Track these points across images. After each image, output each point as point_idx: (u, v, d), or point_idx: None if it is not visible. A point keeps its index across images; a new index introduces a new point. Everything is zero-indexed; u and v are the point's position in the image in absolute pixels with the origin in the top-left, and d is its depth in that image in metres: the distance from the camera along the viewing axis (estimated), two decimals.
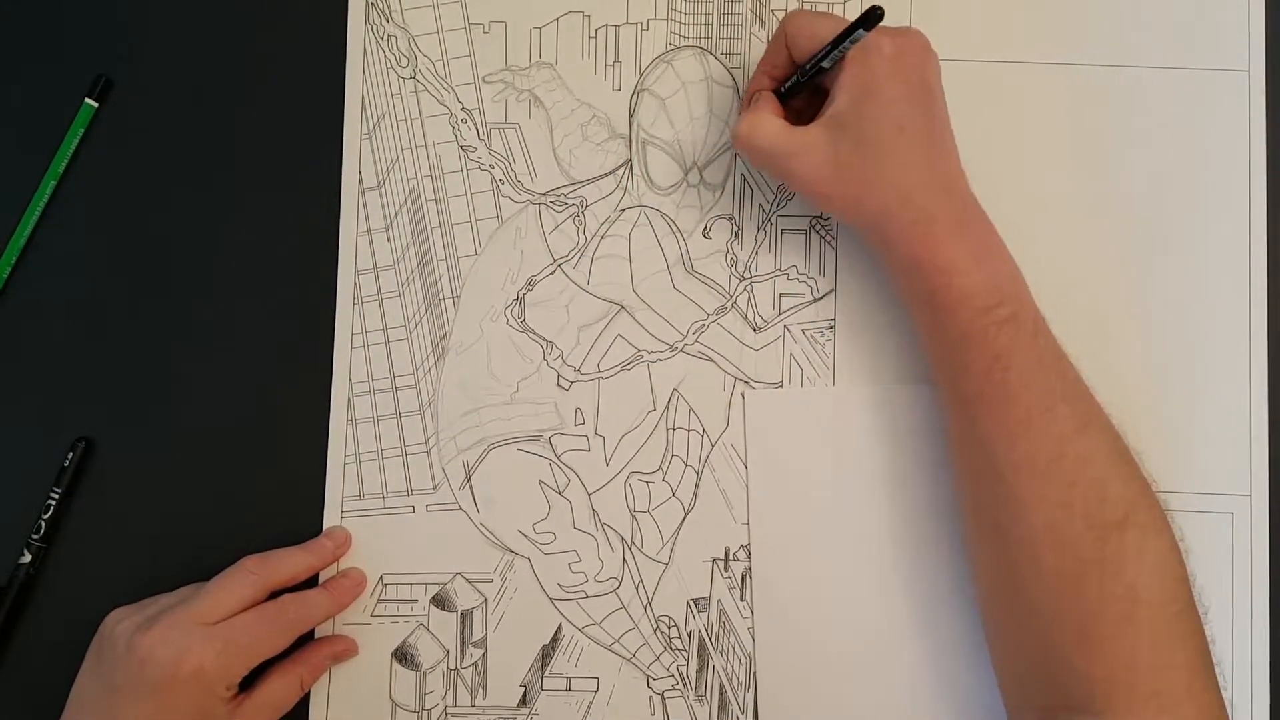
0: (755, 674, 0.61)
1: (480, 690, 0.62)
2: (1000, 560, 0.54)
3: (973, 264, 0.54)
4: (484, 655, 0.62)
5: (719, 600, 0.62)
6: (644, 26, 0.65)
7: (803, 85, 0.58)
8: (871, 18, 0.53)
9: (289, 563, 0.60)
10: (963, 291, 0.53)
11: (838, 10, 0.64)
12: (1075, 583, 0.51)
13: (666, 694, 0.62)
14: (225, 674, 0.55)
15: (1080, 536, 0.51)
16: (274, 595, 0.59)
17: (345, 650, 0.61)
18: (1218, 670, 0.52)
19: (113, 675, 0.55)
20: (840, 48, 0.55)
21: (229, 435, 0.63)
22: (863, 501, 0.62)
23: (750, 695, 0.62)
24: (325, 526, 0.63)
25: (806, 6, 0.64)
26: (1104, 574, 0.50)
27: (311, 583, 0.62)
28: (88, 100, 0.64)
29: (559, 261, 0.64)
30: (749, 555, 0.62)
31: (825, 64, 0.56)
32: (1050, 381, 0.53)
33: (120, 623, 0.56)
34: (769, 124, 0.57)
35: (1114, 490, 0.52)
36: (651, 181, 0.65)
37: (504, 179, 0.65)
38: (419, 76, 0.65)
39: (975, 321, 0.53)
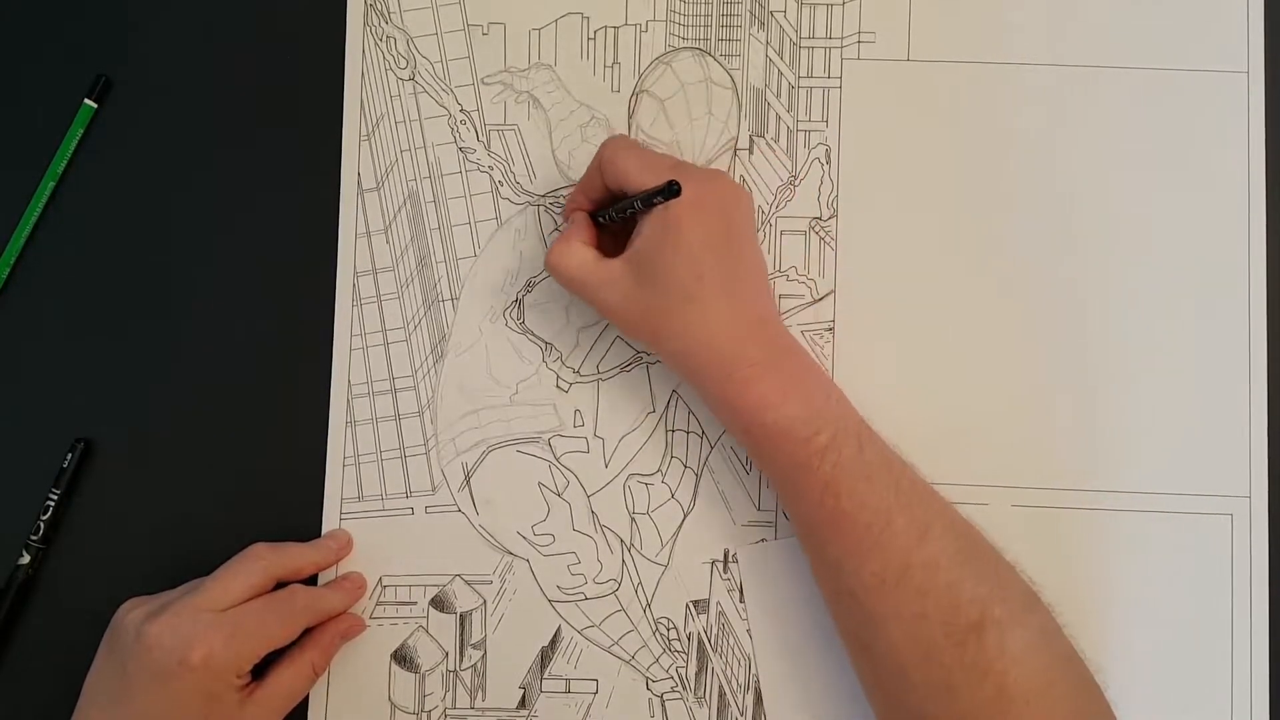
0: (756, 673, 0.62)
1: (479, 692, 0.62)
2: (873, 675, 0.54)
3: (782, 397, 0.54)
4: (483, 657, 0.62)
5: (718, 602, 0.62)
6: (643, 28, 0.65)
7: (612, 222, 0.59)
8: (669, 192, 0.53)
9: (296, 556, 0.60)
10: (777, 426, 0.54)
11: (837, 11, 0.64)
12: (945, 691, 0.51)
13: (666, 696, 0.62)
14: (235, 661, 0.55)
15: (940, 645, 0.51)
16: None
17: (353, 628, 0.61)
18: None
19: (124, 665, 0.55)
20: (641, 207, 0.56)
21: (228, 437, 0.63)
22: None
23: (750, 697, 0.62)
24: (325, 528, 0.63)
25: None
26: (970, 680, 0.50)
27: (310, 582, 0.62)
28: (87, 101, 0.64)
29: None
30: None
31: (626, 214, 0.57)
32: (884, 496, 0.53)
33: (130, 612, 0.56)
34: (578, 254, 0.58)
35: (966, 591, 0.51)
36: None
37: (503, 180, 0.65)
38: (418, 78, 0.65)
39: (796, 453, 0.54)
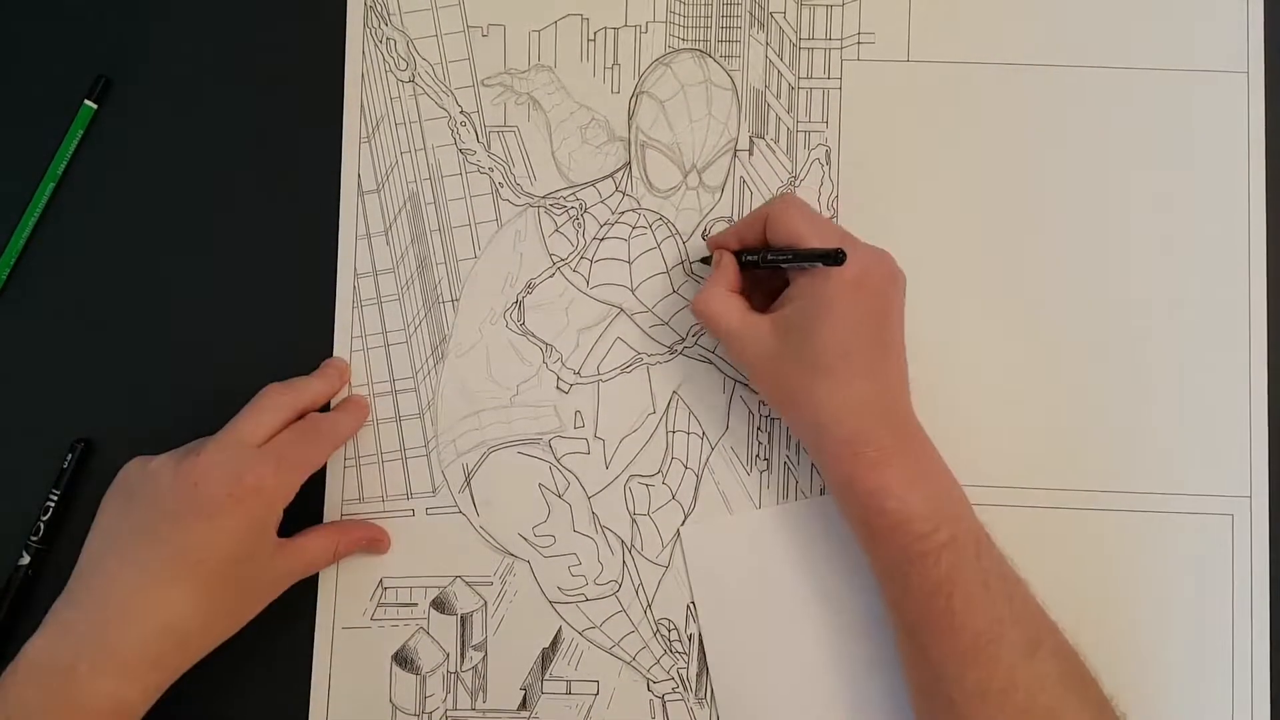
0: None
1: (480, 693, 0.62)
2: None
3: (906, 487, 0.53)
4: (484, 658, 0.62)
5: None
6: (643, 29, 0.65)
7: (759, 268, 0.59)
8: (834, 258, 0.53)
9: (309, 388, 0.61)
10: (897, 516, 0.53)
11: (837, 11, 0.65)
12: None
13: (667, 697, 0.62)
14: (284, 489, 0.56)
15: None
16: None
17: (378, 541, 0.62)
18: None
19: (157, 504, 0.54)
20: (800, 261, 0.56)
21: None
22: (801, 615, 0.62)
23: None
24: (325, 519, 0.63)
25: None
26: None
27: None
28: (87, 101, 0.64)
29: (558, 264, 0.64)
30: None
31: (779, 264, 0.57)
32: (997, 606, 0.52)
33: (150, 461, 0.56)
34: (726, 302, 0.58)
35: (1069, 717, 0.51)
36: (651, 184, 0.65)
37: (503, 182, 0.65)
38: (418, 80, 0.65)
39: (912, 547, 0.53)
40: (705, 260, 0.63)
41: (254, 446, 0.56)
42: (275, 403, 0.58)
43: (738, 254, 0.60)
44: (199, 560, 0.54)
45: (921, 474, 0.55)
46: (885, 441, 0.54)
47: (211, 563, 0.54)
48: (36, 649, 0.53)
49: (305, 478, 0.57)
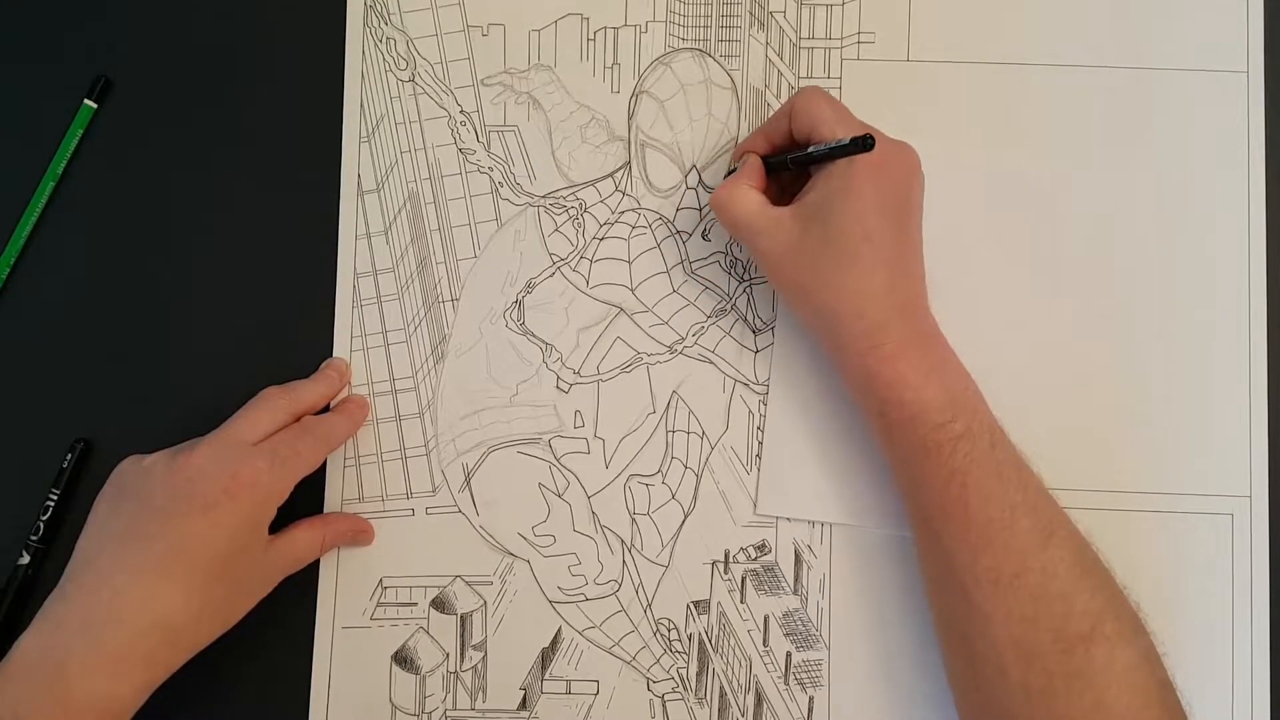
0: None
1: (480, 693, 0.62)
2: (969, 670, 0.54)
3: (924, 378, 0.54)
4: (484, 658, 0.62)
5: (719, 603, 0.62)
6: (642, 29, 0.65)
7: (788, 169, 0.59)
8: (863, 144, 0.53)
9: (307, 391, 0.61)
10: (915, 407, 0.54)
11: (837, 11, 0.64)
12: (1043, 697, 0.50)
13: (667, 697, 0.62)
14: (278, 486, 0.56)
15: (1046, 651, 0.51)
16: None
17: (363, 532, 0.62)
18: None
19: (150, 501, 0.54)
20: (828, 156, 0.56)
21: None
22: None
23: (750, 697, 0.62)
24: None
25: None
26: (1071, 689, 0.50)
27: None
28: (87, 101, 0.64)
29: (558, 264, 0.64)
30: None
31: (810, 162, 0.57)
32: (1010, 494, 0.53)
33: (145, 459, 0.56)
34: (745, 197, 0.58)
35: (1079, 603, 0.51)
36: (650, 184, 0.65)
37: (503, 181, 0.65)
38: (418, 79, 0.65)
39: (929, 437, 0.53)
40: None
41: (249, 443, 0.56)
42: (272, 405, 0.58)
43: (765, 158, 0.60)
44: (192, 556, 0.54)
45: (938, 366, 0.55)
46: (903, 334, 0.55)
47: (204, 559, 0.54)
48: (27, 646, 0.52)
49: (300, 477, 0.57)
